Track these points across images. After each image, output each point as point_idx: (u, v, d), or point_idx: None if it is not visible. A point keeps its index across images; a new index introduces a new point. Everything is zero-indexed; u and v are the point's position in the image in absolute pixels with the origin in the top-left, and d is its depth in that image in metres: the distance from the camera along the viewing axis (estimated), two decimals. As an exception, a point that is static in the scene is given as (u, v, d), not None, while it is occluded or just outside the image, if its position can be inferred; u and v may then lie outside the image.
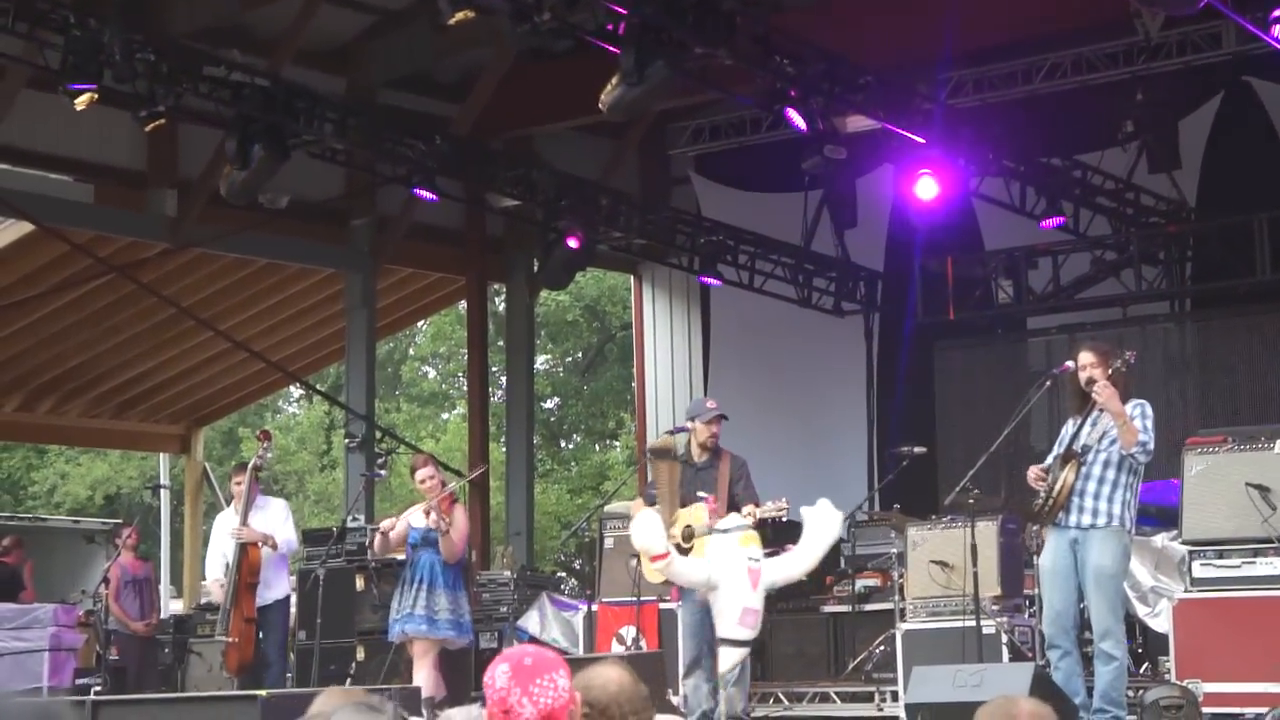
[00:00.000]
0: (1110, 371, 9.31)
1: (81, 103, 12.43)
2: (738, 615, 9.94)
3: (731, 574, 9.97)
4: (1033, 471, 9.50)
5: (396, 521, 11.87)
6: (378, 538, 11.95)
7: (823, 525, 9.94)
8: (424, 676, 11.40)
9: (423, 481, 11.73)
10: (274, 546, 12.46)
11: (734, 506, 10.42)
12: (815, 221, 17.64)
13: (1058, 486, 9.31)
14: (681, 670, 11.06)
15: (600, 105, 11.65)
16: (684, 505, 10.59)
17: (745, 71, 13.66)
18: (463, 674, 12.60)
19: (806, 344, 18.35)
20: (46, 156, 15.52)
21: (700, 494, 10.57)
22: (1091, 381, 9.31)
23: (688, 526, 10.51)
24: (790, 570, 10.25)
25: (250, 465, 12.67)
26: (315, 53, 16.39)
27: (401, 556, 12.77)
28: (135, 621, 15.45)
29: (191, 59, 13.12)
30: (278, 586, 12.67)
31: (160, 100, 12.86)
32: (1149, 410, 9.38)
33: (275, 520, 12.70)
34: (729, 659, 9.47)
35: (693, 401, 11.06)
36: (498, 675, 3.83)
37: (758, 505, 10.34)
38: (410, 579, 11.64)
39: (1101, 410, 9.32)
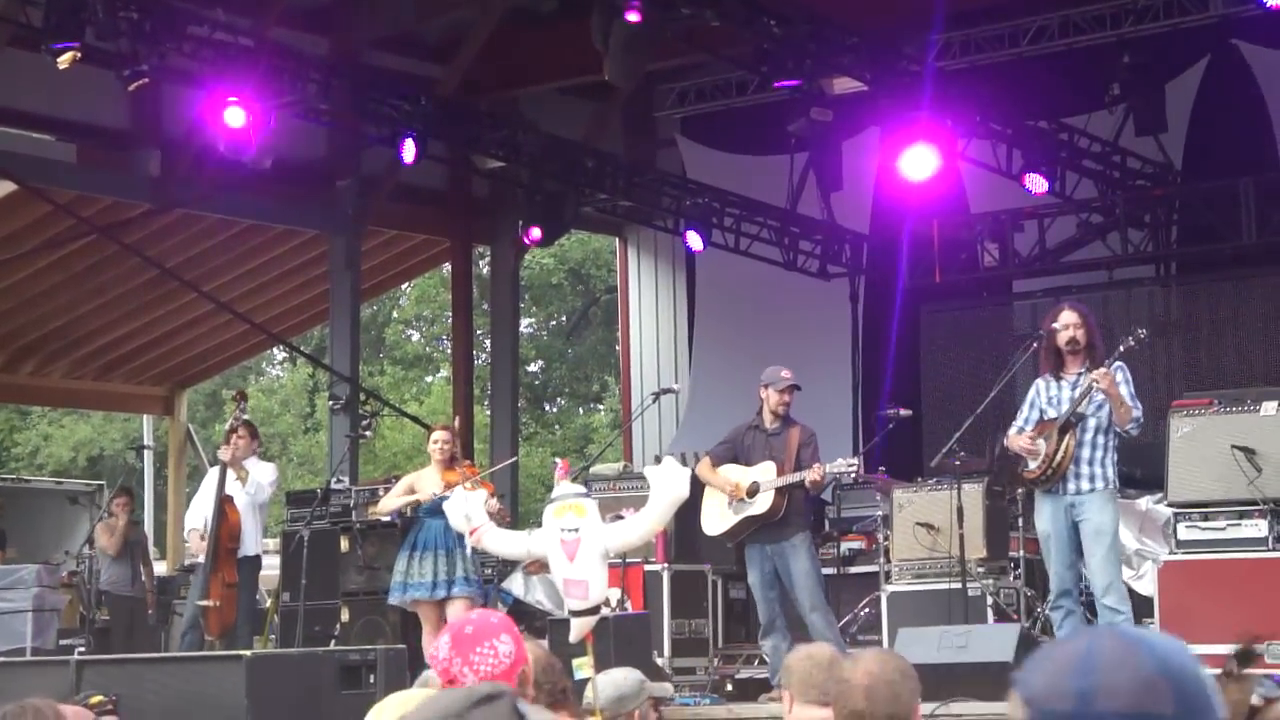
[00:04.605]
0: (1122, 349, 9.44)
1: (64, 62, 12.34)
2: (562, 588, 9.96)
3: (548, 547, 9.98)
4: (1024, 439, 9.53)
5: (416, 484, 11.98)
6: (398, 503, 12.04)
7: (666, 485, 9.93)
8: None
9: (436, 442, 11.91)
10: (244, 479, 12.55)
11: (801, 469, 10.82)
12: (801, 184, 17.58)
13: (1059, 455, 9.38)
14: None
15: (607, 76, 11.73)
16: (749, 465, 11.05)
17: (732, 33, 13.63)
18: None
19: (792, 307, 18.32)
20: (29, 115, 15.42)
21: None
22: (1074, 341, 9.42)
23: (754, 482, 10.95)
24: (629, 535, 10.21)
25: (227, 428, 12.86)
26: (299, 12, 16.29)
27: (387, 519, 12.80)
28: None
29: (174, 18, 13.03)
30: (248, 543, 12.72)
31: (144, 59, 12.79)
32: (1128, 374, 9.53)
33: (258, 470, 12.89)
34: (574, 630, 9.49)
35: (768, 369, 11.22)
36: (441, 646, 3.82)
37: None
38: (424, 544, 11.68)
39: (1080, 374, 9.42)
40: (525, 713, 2.73)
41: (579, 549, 9.88)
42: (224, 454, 12.70)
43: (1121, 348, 9.55)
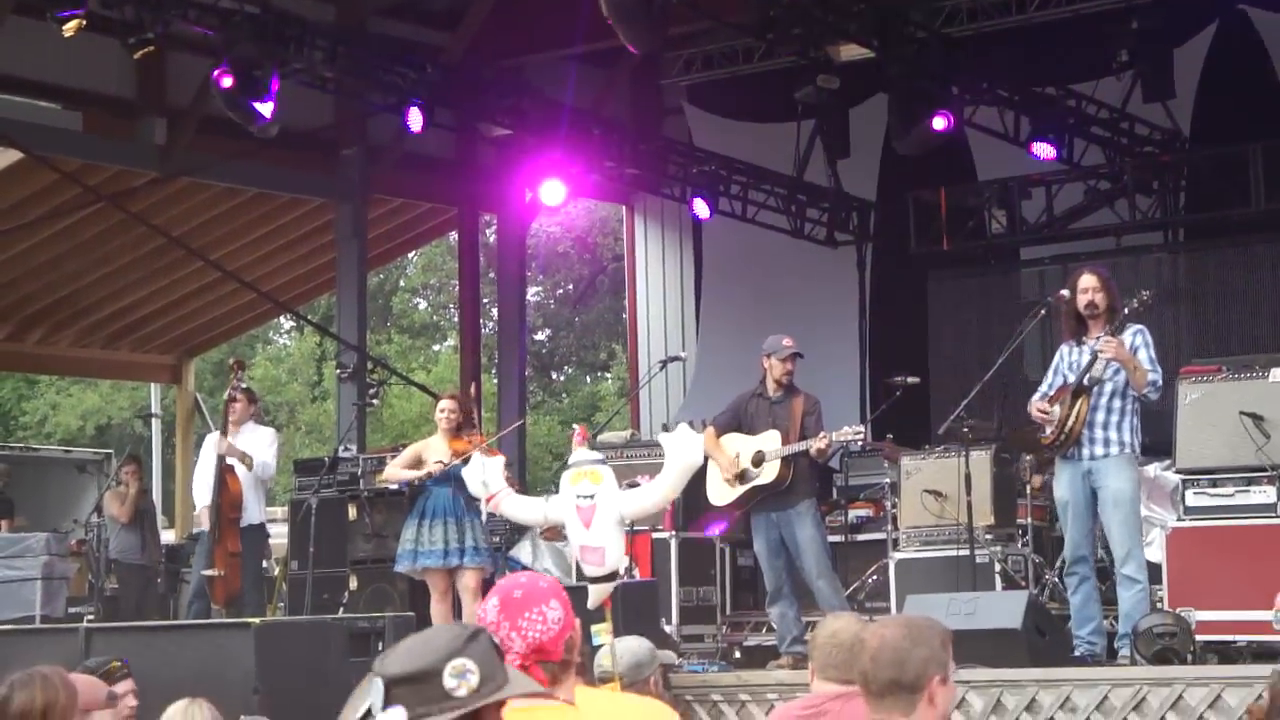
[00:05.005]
0: (1126, 310, 9.41)
1: (69, 29, 12.32)
2: (579, 554, 9.93)
3: (564, 514, 9.96)
4: (1037, 405, 9.54)
5: (423, 452, 11.95)
6: (408, 475, 12.00)
7: (681, 452, 9.90)
8: (474, 608, 11.56)
9: (442, 412, 11.86)
10: (249, 465, 12.56)
11: (805, 438, 10.75)
12: (808, 151, 17.54)
13: (1071, 420, 9.37)
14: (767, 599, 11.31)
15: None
16: (753, 434, 10.94)
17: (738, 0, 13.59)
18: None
19: (799, 275, 18.31)
20: (34, 83, 15.39)
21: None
22: (1092, 305, 9.41)
23: (759, 452, 10.87)
24: (644, 501, 10.19)
25: (226, 399, 12.82)
26: (305, -21, 16.25)
27: (395, 486, 12.80)
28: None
29: (180, -15, 13.01)
30: (252, 512, 12.71)
31: (149, 27, 12.76)
32: (1149, 338, 9.49)
33: (259, 443, 12.84)
34: (592, 596, 9.49)
35: (770, 338, 11.14)
36: (489, 609, 3.78)
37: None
38: (433, 512, 11.65)
39: (1100, 338, 9.39)
40: (498, 645, 2.90)
41: (595, 515, 9.86)
42: (221, 447, 12.60)
43: (1125, 310, 9.54)
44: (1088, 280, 9.53)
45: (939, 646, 4.00)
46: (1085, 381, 9.44)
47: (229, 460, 12.61)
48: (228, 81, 13.18)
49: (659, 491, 10.09)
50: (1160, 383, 9.44)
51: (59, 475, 19.09)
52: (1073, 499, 9.56)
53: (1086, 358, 9.51)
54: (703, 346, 19.42)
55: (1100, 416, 9.45)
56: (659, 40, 13.18)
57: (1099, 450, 9.46)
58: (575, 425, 10.97)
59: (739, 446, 10.99)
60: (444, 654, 2.83)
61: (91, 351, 21.16)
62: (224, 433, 12.66)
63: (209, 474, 12.74)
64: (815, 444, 10.66)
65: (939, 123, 13.97)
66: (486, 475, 10.26)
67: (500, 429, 17.37)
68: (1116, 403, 9.46)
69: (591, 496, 9.86)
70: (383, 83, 14.99)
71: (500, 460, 10.52)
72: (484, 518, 11.29)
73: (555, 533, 11.03)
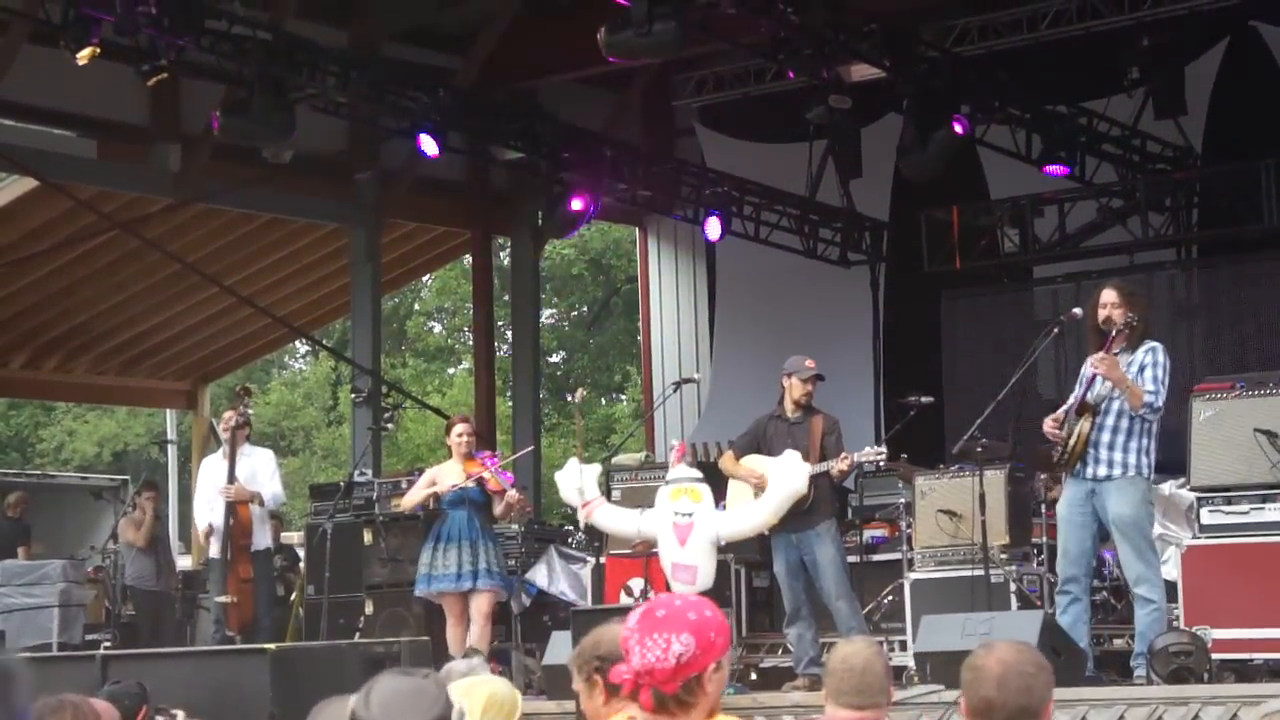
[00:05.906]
0: (1123, 324, 9.36)
1: (83, 57, 12.39)
2: (670, 571, 9.87)
3: (658, 529, 9.87)
4: (1048, 423, 9.53)
5: (437, 477, 11.97)
6: (421, 495, 12.03)
7: (785, 478, 9.82)
8: (484, 630, 11.58)
9: (460, 435, 11.88)
10: (261, 504, 12.59)
11: (825, 458, 10.71)
12: (820, 172, 17.54)
13: (1073, 439, 9.35)
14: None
15: (600, 41, 11.72)
16: (773, 455, 10.84)
17: (749, 20, 13.62)
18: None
19: (812, 295, 18.31)
20: (49, 111, 15.46)
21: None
22: (1110, 320, 9.36)
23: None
24: (742, 524, 10.09)
25: (233, 425, 12.76)
26: (317, 5, 16.28)
27: (408, 511, 12.82)
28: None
29: (193, 12, 13.06)
30: (258, 537, 12.72)
31: (162, 54, 12.84)
32: (1160, 357, 9.40)
33: (262, 472, 12.85)
34: None
35: (791, 359, 11.10)
36: (634, 615, 3.65)
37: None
38: (448, 536, 11.68)
39: (1117, 354, 9.36)
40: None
41: (691, 534, 9.81)
42: (229, 494, 12.56)
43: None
44: (1106, 295, 9.51)
45: (1050, 670, 3.96)
46: (1089, 399, 9.42)
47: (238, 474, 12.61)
48: (221, 120, 13.35)
49: (759, 515, 10.01)
50: (1157, 404, 9.33)
51: (76, 502, 19.12)
52: (1068, 516, 9.53)
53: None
54: (717, 368, 19.42)
55: (1105, 436, 9.40)
56: (680, 44, 13.10)
57: (1102, 471, 9.42)
58: (675, 440, 10.88)
59: (760, 468, 10.97)
60: (446, 702, 3.10)
61: (107, 378, 21.23)
62: (231, 467, 12.63)
63: (209, 496, 12.74)
64: (837, 464, 10.66)
65: (958, 127, 14.05)
66: (584, 482, 10.17)
67: (514, 451, 17.41)
68: (1123, 422, 9.40)
69: (690, 515, 9.79)
70: (396, 107, 15.04)
71: (596, 468, 10.44)
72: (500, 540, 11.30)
73: (646, 547, 10.97)
